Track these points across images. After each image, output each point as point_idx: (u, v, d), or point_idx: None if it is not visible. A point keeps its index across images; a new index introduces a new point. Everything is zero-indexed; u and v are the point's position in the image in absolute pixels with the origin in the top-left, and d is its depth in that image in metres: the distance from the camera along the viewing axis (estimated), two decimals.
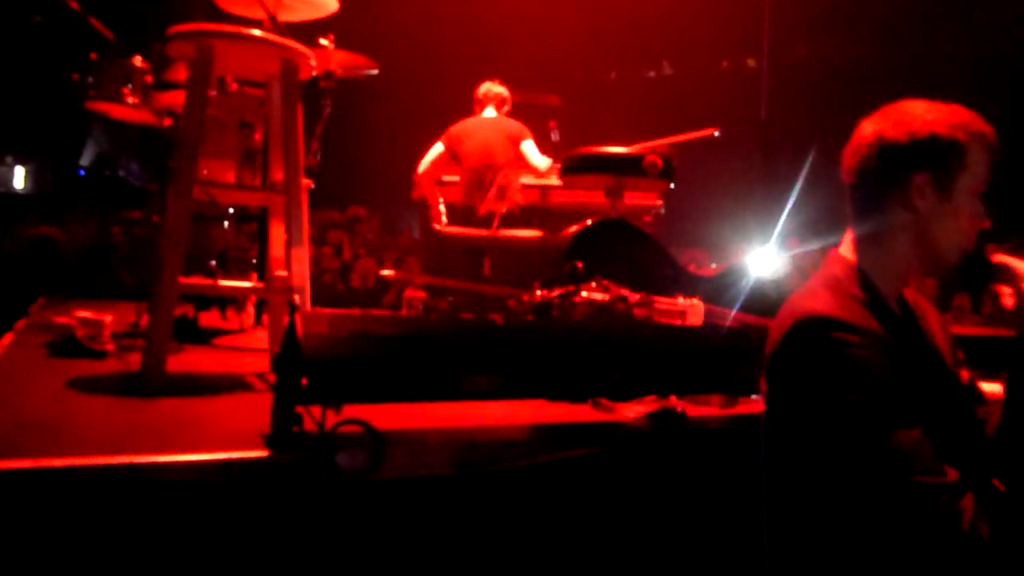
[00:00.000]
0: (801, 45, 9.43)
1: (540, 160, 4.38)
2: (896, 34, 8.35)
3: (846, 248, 1.49)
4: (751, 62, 10.39)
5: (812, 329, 1.32)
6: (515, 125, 4.51)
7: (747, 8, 8.15)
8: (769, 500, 1.47)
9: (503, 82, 4.75)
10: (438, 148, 4.54)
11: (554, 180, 4.51)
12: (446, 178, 5.05)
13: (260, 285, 3.12)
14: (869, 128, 1.43)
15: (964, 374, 1.56)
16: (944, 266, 1.44)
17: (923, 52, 8.25)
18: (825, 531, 1.35)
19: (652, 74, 10.77)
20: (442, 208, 4.34)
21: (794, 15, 8.48)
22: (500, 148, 4.38)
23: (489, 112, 4.62)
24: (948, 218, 1.39)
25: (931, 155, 1.37)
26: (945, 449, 1.27)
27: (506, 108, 4.66)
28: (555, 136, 5.12)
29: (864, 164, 1.43)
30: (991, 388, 1.57)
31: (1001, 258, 1.41)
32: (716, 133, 4.11)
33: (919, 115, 1.38)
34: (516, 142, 4.40)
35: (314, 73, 2.74)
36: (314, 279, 3.72)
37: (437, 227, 4.30)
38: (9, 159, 9.65)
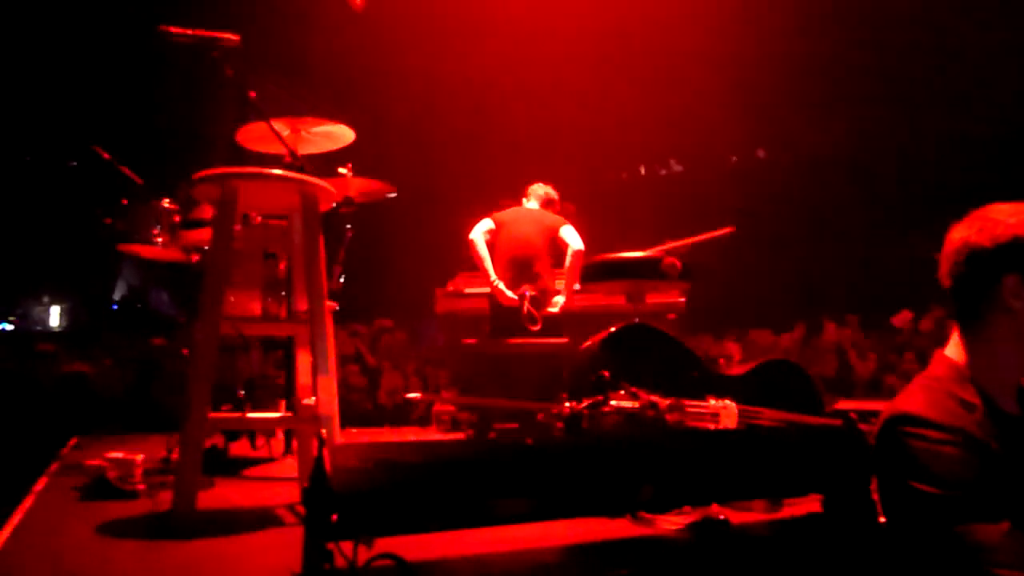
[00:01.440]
0: (810, 131, 9.57)
1: (577, 242, 4.42)
2: (917, 111, 8.41)
3: (953, 348, 1.52)
4: (761, 153, 10.58)
5: (893, 426, 1.42)
6: (554, 217, 4.60)
7: (751, 101, 8.34)
8: None
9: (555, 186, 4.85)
10: (489, 223, 4.57)
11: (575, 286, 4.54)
12: (468, 290, 5.12)
13: (288, 414, 3.12)
14: (957, 235, 1.49)
15: None
16: None
17: (944, 130, 8.30)
18: None
19: (663, 172, 10.98)
20: (490, 268, 4.37)
21: (799, 99, 8.64)
22: (536, 238, 4.46)
23: (531, 204, 4.74)
24: None
25: (1017, 257, 1.42)
26: None
27: (552, 207, 4.73)
28: None
29: (957, 271, 1.49)
30: None
31: None
32: (731, 232, 4.14)
33: (1002, 220, 1.44)
34: (553, 231, 4.48)
35: (334, 202, 2.82)
36: (342, 399, 3.72)
37: (494, 281, 4.33)
38: (45, 299, 9.95)
